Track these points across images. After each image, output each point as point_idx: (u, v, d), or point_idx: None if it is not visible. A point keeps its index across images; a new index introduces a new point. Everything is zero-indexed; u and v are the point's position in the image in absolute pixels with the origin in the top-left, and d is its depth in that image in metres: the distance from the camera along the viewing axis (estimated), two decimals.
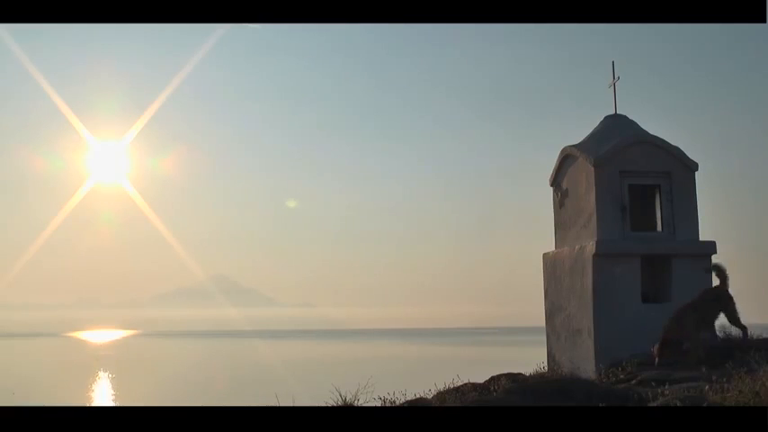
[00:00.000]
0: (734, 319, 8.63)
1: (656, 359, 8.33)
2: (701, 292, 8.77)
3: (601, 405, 5.91)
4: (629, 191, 9.94)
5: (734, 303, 8.64)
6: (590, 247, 9.67)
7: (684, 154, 10.07)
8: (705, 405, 5.76)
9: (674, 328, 8.36)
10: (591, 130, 10.73)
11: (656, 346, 8.40)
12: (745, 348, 8.17)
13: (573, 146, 10.54)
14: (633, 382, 7.82)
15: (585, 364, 9.49)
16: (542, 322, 11.06)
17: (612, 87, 10.78)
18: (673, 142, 10.12)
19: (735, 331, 8.73)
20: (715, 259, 9.86)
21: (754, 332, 9.59)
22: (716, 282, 8.93)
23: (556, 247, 10.97)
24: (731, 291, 8.71)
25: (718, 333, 8.80)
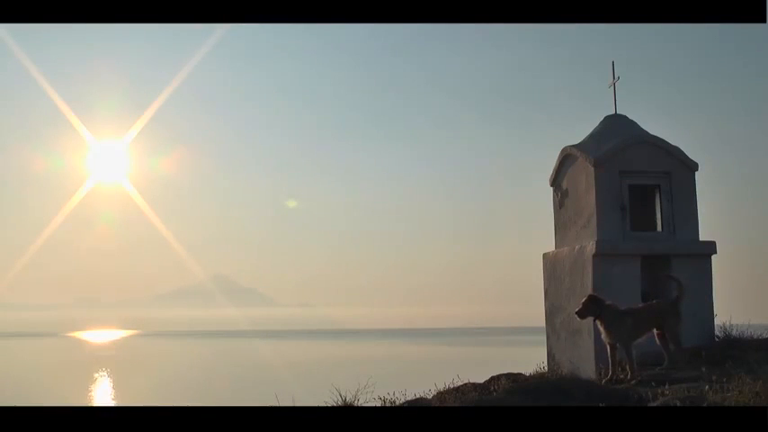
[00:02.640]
0: (672, 336, 8.36)
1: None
2: (649, 303, 8.63)
3: (601, 405, 5.91)
4: (629, 191, 9.93)
5: (677, 322, 8.33)
6: (590, 247, 9.67)
7: (684, 154, 10.06)
8: (705, 405, 5.77)
9: (614, 327, 8.20)
10: (591, 130, 10.72)
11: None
12: (746, 348, 8.18)
13: (573, 146, 10.54)
14: (633, 382, 7.83)
15: (585, 364, 9.49)
16: (542, 322, 11.04)
17: (612, 87, 10.78)
18: (673, 142, 10.12)
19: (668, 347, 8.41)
20: (715, 259, 9.88)
21: (754, 332, 9.60)
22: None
23: (556, 247, 10.97)
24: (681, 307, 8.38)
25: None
